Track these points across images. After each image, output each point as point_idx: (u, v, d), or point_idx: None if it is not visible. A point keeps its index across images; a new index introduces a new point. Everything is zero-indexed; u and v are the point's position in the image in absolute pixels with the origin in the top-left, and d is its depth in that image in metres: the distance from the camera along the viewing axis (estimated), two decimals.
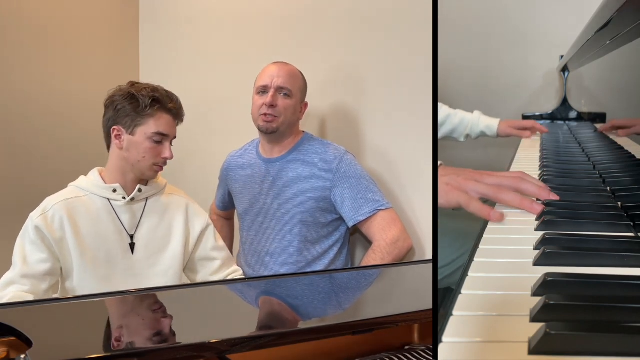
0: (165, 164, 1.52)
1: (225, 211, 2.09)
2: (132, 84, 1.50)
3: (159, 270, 1.53)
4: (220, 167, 2.00)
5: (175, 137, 1.53)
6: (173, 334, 0.97)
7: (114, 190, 1.50)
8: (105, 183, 1.51)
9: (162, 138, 1.47)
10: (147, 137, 1.46)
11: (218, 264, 1.60)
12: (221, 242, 1.65)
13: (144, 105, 1.44)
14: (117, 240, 1.49)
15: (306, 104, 1.84)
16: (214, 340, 0.85)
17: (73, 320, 1.03)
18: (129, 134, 1.47)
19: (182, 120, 1.54)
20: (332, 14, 2.01)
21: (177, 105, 1.50)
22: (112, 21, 2.82)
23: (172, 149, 1.52)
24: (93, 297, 1.24)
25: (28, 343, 0.81)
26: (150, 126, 1.45)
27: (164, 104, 1.47)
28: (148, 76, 2.64)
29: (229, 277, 1.62)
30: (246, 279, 1.67)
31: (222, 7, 2.49)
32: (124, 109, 1.46)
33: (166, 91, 1.50)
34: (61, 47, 2.62)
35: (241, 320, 1.07)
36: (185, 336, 0.95)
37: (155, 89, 1.48)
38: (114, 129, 1.48)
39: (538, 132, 2.10)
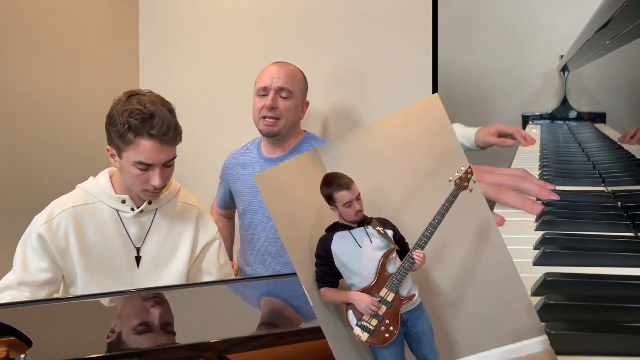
0: (157, 190, 1.39)
1: (227, 210, 2.09)
2: (128, 96, 1.38)
3: (163, 284, 1.47)
4: (221, 166, 2.00)
5: (169, 160, 1.38)
6: (173, 334, 0.97)
7: (123, 202, 1.44)
8: (116, 192, 1.45)
9: (147, 167, 1.35)
10: (132, 165, 1.35)
11: (210, 279, 1.53)
12: (223, 260, 1.57)
13: (121, 132, 1.33)
14: (123, 253, 1.44)
15: (307, 103, 1.84)
16: (214, 340, 0.85)
17: (73, 320, 1.03)
18: (119, 158, 1.38)
19: (175, 140, 1.39)
20: (333, 14, 2.01)
21: (162, 129, 1.33)
22: (112, 21, 2.82)
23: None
24: (93, 297, 1.24)
25: (28, 343, 0.81)
26: (132, 154, 1.34)
27: (140, 130, 1.32)
28: (148, 76, 2.64)
29: None
30: (246, 279, 1.66)
31: (222, 7, 2.49)
32: (109, 133, 1.38)
33: (149, 113, 1.33)
34: (61, 47, 2.62)
35: (241, 320, 1.06)
36: (185, 336, 0.95)
37: (131, 114, 1.32)
38: (108, 149, 1.42)
39: (536, 131, 2.09)
